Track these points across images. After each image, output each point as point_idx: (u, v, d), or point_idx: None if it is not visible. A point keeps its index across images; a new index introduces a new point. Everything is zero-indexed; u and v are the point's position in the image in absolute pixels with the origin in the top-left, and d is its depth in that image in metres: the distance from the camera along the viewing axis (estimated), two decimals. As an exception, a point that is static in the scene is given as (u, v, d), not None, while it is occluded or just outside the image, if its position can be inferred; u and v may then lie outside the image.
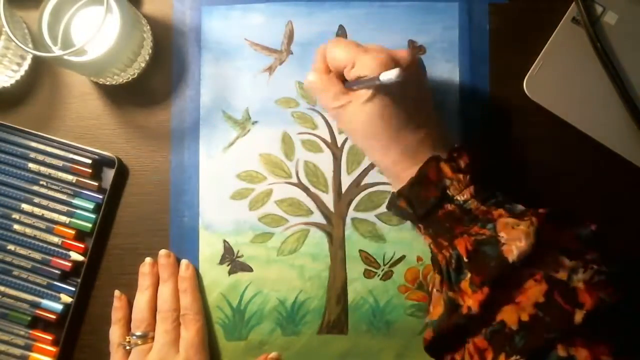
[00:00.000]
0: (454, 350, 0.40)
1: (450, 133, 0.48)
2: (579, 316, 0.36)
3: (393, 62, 0.41)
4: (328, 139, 0.51)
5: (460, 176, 0.41)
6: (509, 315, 0.37)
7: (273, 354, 0.49)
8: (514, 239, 0.38)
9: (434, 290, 0.42)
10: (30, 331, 0.49)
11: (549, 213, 0.39)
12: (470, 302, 0.38)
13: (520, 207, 0.41)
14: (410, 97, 0.42)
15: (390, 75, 0.38)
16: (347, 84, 0.43)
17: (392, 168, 0.43)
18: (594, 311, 0.36)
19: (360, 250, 0.50)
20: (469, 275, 0.39)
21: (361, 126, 0.42)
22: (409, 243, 0.49)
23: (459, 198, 0.41)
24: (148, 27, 0.50)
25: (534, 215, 0.39)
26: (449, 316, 0.39)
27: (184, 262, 0.49)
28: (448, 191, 0.41)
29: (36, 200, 0.49)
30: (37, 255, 0.49)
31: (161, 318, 0.47)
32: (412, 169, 0.42)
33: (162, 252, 0.49)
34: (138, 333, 0.47)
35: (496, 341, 0.37)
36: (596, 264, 0.38)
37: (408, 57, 0.42)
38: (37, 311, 0.49)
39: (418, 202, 0.42)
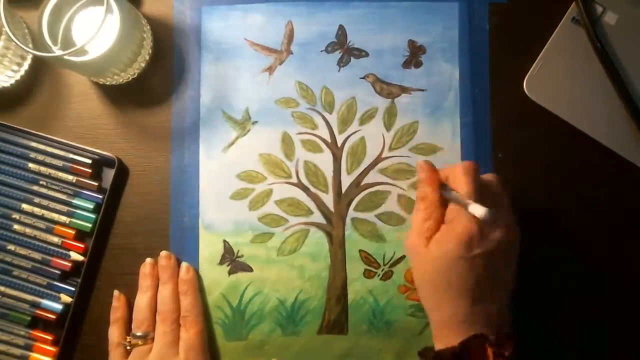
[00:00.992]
0: None
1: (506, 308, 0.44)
2: None
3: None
4: (328, 139, 0.51)
5: None
6: None
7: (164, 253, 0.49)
8: None
9: None
10: (30, 331, 0.49)
11: None
12: None
13: None
14: (502, 265, 0.42)
15: (479, 211, 0.38)
16: (445, 194, 0.43)
17: (445, 325, 0.41)
18: None
19: (360, 250, 0.50)
20: None
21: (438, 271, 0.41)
22: (409, 243, 0.49)
23: None
24: (148, 27, 0.50)
25: None
26: None
27: (184, 264, 0.49)
28: None
29: (36, 200, 0.49)
30: (37, 255, 0.49)
31: (161, 319, 0.47)
32: (460, 337, 0.40)
33: (163, 253, 0.49)
34: (139, 333, 0.47)
35: None
36: None
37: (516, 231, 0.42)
38: (37, 311, 0.48)
39: None
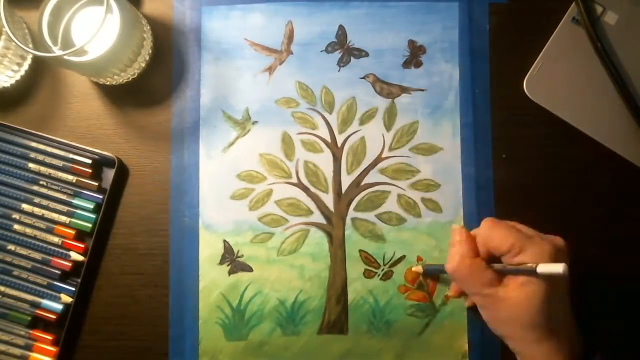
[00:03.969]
0: None
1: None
2: None
3: (558, 253, 0.40)
4: (328, 139, 0.51)
5: None
6: None
7: None
8: None
9: None
10: (31, 331, 0.49)
11: None
12: None
13: None
14: (559, 299, 0.41)
15: (555, 268, 0.37)
16: (496, 267, 0.42)
17: None
18: None
19: (360, 250, 0.50)
20: None
21: (519, 312, 0.40)
22: (409, 243, 0.50)
23: None
24: (148, 27, 0.50)
25: None
26: None
27: None
28: None
29: (36, 200, 0.49)
30: (37, 255, 0.49)
31: None
32: None
33: None
34: None
35: None
36: None
37: (566, 246, 0.41)
38: (37, 311, 0.48)
39: None
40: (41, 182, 0.49)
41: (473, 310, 0.46)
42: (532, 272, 0.39)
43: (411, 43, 0.51)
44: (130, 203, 0.50)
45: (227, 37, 0.51)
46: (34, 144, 0.50)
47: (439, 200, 0.50)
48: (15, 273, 0.49)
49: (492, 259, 0.42)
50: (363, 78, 0.51)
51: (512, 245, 0.40)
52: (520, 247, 0.40)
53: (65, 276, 0.49)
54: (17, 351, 0.48)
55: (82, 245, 0.49)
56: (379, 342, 0.49)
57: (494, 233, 0.42)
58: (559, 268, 0.37)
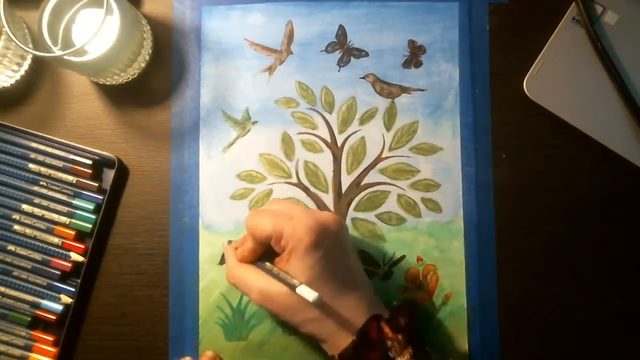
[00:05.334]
0: None
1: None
2: None
3: (321, 227, 0.41)
4: (328, 139, 0.51)
5: (400, 336, 0.41)
6: None
7: (209, 352, 0.48)
8: None
9: None
10: (31, 332, 0.49)
11: None
12: None
13: None
14: (337, 262, 0.42)
15: (308, 295, 0.38)
16: (257, 263, 0.44)
17: (333, 337, 0.42)
18: None
19: (360, 250, 0.50)
20: None
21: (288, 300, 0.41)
22: (409, 243, 0.50)
23: (399, 359, 0.40)
24: (148, 27, 0.50)
25: None
26: None
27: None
28: (389, 352, 0.40)
29: (36, 200, 0.49)
30: (37, 256, 0.49)
31: None
32: (352, 336, 0.41)
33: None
34: None
35: None
36: None
37: (334, 221, 0.42)
38: (37, 312, 0.48)
39: None
40: (41, 183, 0.49)
41: None
42: (292, 287, 0.40)
43: (411, 43, 0.51)
44: (130, 203, 0.50)
45: (227, 37, 0.51)
46: (34, 145, 0.50)
47: (439, 200, 0.50)
48: (15, 274, 0.49)
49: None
50: (363, 78, 0.51)
51: (272, 230, 0.42)
52: (280, 230, 0.41)
53: (65, 277, 0.49)
54: (17, 352, 0.48)
55: (82, 246, 0.49)
56: (379, 342, 0.49)
57: (255, 220, 0.43)
58: (312, 296, 0.38)
